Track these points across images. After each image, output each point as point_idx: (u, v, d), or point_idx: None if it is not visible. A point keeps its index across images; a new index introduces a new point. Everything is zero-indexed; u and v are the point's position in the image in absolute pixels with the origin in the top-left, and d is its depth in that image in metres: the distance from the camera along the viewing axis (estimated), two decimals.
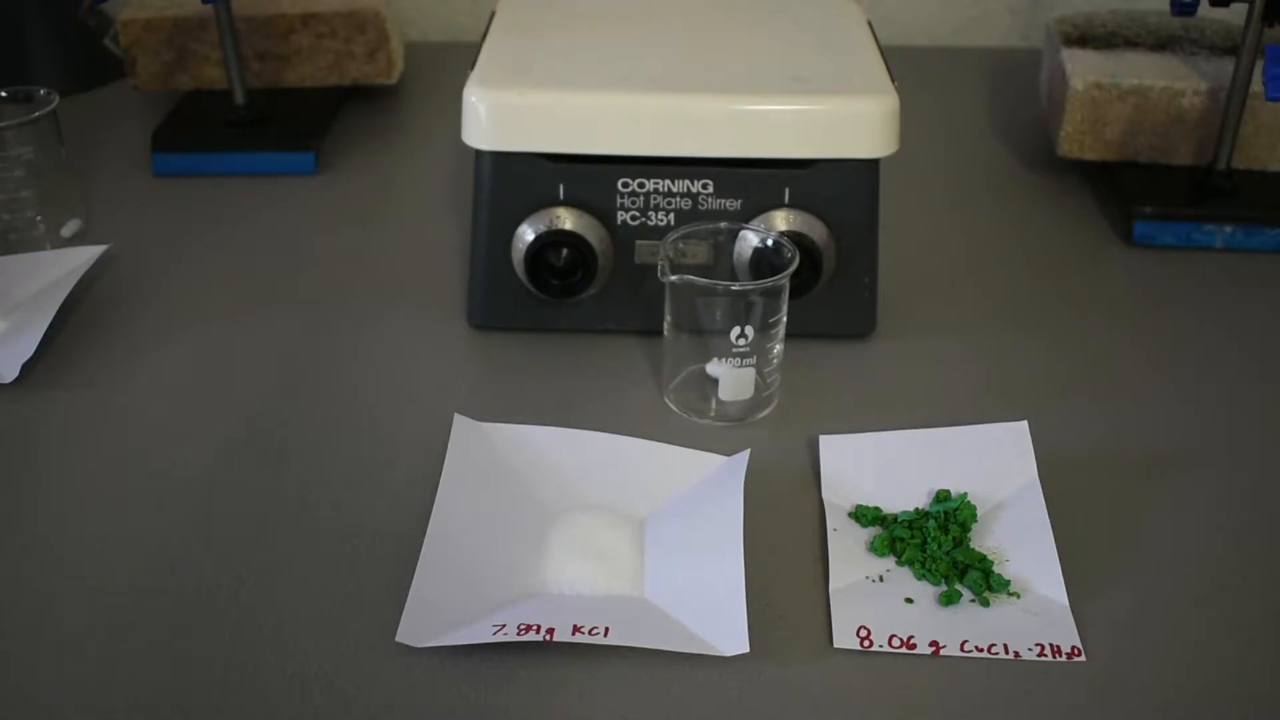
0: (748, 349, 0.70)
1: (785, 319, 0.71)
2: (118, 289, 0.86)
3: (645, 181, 0.76)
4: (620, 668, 0.56)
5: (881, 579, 0.61)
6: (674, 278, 0.69)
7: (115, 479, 0.68)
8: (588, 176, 0.76)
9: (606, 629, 0.56)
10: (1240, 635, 0.59)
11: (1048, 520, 0.63)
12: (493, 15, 0.87)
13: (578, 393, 0.75)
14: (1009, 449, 0.67)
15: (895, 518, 0.65)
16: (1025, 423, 0.68)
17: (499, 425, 0.69)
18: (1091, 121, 0.95)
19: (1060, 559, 0.61)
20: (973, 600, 0.60)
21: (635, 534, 0.63)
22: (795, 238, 0.73)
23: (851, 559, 0.62)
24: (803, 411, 0.73)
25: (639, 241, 0.78)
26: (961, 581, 0.61)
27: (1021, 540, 0.63)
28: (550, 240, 0.75)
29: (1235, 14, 0.90)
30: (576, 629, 0.56)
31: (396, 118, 1.13)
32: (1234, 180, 0.92)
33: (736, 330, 0.69)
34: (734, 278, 0.74)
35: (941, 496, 0.65)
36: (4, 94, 0.90)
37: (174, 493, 0.67)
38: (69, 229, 0.92)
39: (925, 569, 0.61)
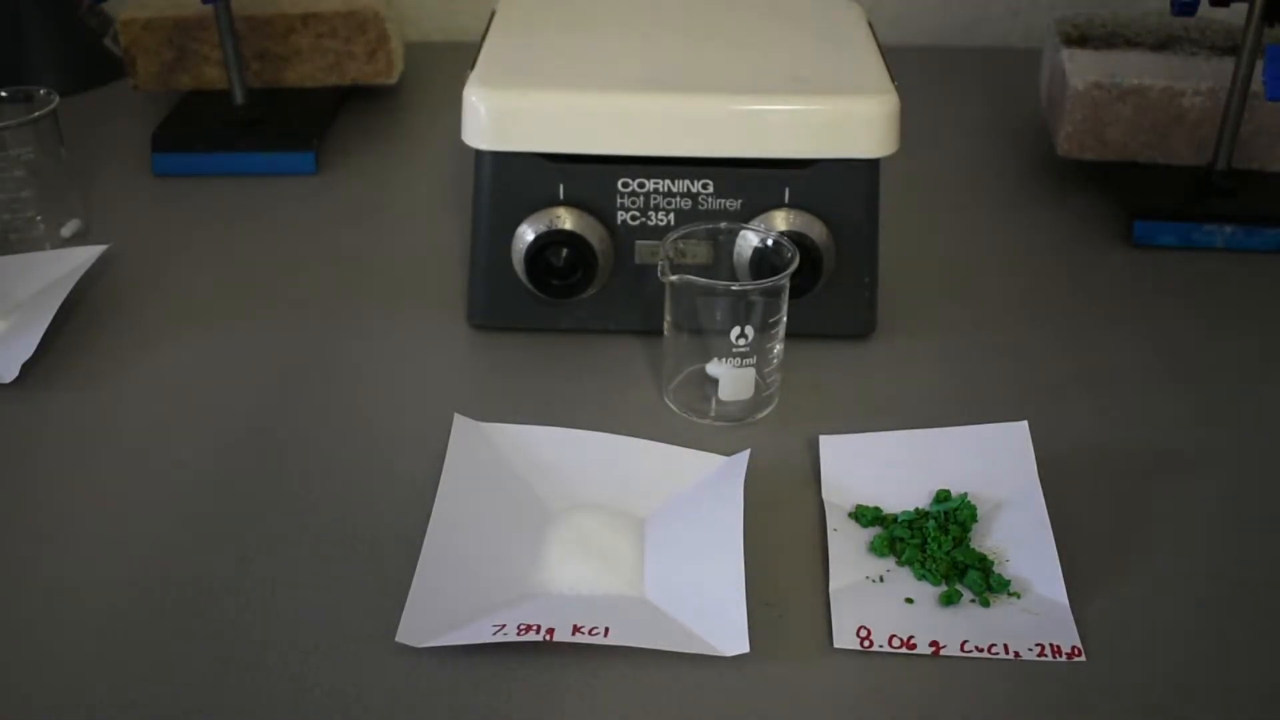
0: (748, 349, 0.70)
1: (785, 319, 0.71)
2: (118, 289, 0.86)
3: (645, 181, 0.76)
4: (620, 668, 0.56)
5: (881, 579, 0.61)
6: (674, 278, 0.69)
7: (115, 479, 0.68)
8: (588, 176, 0.76)
9: (606, 629, 0.56)
10: (1240, 635, 0.59)
11: (1048, 520, 0.62)
12: (493, 15, 0.87)
13: (578, 393, 0.75)
14: (1009, 449, 0.67)
15: (895, 518, 0.65)
16: (1025, 423, 0.68)
17: (499, 425, 0.69)
18: (1091, 121, 0.95)
19: (1060, 559, 0.61)
20: (973, 600, 0.60)
21: (635, 534, 0.63)
22: (795, 238, 0.73)
23: (851, 559, 0.62)
24: (803, 411, 0.73)
25: (639, 241, 0.78)
26: (961, 581, 0.61)
27: (1021, 540, 0.63)
28: (550, 240, 0.75)
29: (1235, 14, 0.90)
30: (576, 629, 0.56)
31: (396, 118, 1.13)
32: (1234, 180, 0.92)
33: (736, 330, 0.69)
34: (734, 278, 0.74)
35: (941, 496, 0.65)
36: (4, 94, 0.90)
37: (174, 493, 0.67)
38: (69, 229, 0.92)
39: (925, 569, 0.61)
